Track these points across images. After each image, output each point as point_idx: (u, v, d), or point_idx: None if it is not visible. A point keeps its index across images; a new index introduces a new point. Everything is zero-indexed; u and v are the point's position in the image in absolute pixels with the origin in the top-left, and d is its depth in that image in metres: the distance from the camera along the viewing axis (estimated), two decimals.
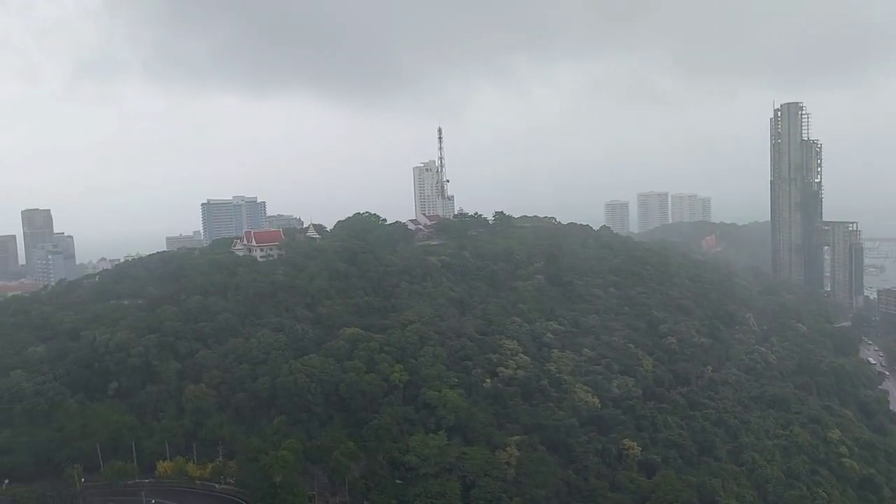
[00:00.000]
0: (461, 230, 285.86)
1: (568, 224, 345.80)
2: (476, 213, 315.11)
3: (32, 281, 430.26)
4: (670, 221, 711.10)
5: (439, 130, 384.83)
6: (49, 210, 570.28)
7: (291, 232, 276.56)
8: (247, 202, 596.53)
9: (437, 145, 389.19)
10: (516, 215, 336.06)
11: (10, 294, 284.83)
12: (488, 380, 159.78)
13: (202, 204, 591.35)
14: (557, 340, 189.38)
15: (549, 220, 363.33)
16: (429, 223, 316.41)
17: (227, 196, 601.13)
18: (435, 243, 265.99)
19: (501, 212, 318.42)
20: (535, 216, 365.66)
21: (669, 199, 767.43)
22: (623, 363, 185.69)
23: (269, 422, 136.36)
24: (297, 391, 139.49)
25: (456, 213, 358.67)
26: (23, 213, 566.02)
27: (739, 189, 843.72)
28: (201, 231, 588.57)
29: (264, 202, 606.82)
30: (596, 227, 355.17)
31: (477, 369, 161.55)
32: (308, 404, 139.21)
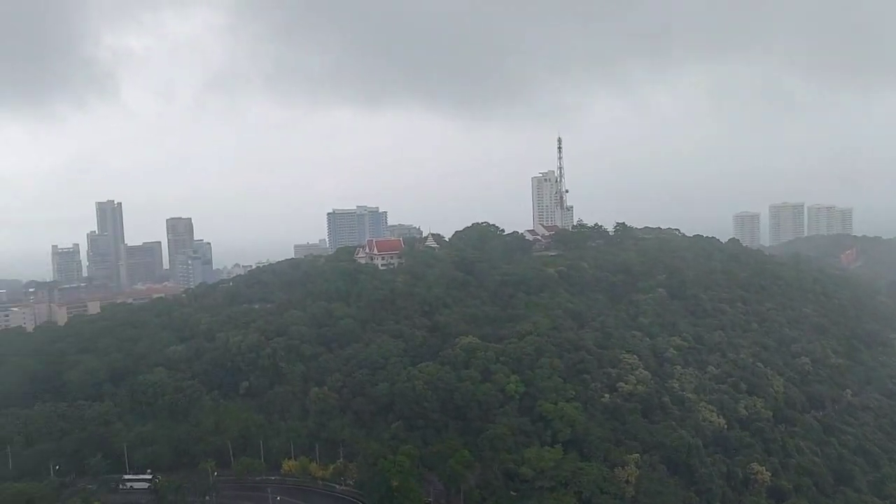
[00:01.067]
0: (580, 241, 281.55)
1: (693, 236, 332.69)
2: (596, 224, 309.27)
3: (175, 284, 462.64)
4: (806, 234, 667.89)
5: (559, 140, 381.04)
6: (190, 218, 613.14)
7: (411, 241, 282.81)
8: (369, 212, 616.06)
9: (555, 155, 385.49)
10: (638, 226, 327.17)
11: (155, 296, 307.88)
12: (607, 395, 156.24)
13: (328, 213, 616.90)
14: (680, 356, 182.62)
15: (673, 232, 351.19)
16: (547, 234, 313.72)
17: (350, 206, 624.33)
18: (553, 254, 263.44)
19: (622, 223, 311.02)
20: (658, 227, 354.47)
21: (805, 210, 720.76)
22: (751, 382, 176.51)
23: (387, 426, 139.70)
24: (414, 398, 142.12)
25: (575, 223, 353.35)
26: (167, 221, 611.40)
27: (885, 199, 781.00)
28: (327, 239, 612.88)
29: (386, 212, 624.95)
30: (723, 240, 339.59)
31: (595, 383, 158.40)
32: (425, 411, 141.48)
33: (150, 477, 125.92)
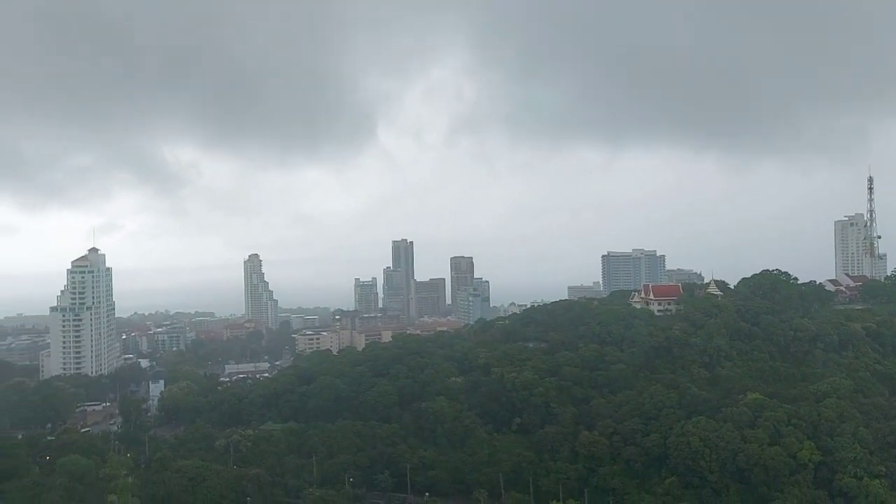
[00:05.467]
0: (894, 294, 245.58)
1: None
2: None
3: (456, 319, 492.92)
4: None
5: (869, 180, 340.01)
6: (471, 258, 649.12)
7: (690, 287, 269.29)
8: (646, 255, 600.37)
9: (865, 196, 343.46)
10: None
11: (439, 329, 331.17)
12: None
13: (602, 256, 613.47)
14: None
15: None
16: (852, 284, 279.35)
17: (626, 248, 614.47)
18: (859, 308, 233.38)
19: None
20: None
21: None
22: None
23: (660, 480, 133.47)
24: (689, 454, 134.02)
25: (889, 274, 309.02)
26: (451, 259, 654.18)
27: None
28: (601, 282, 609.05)
29: (663, 256, 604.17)
30: None
31: None
32: (701, 469, 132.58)
33: None
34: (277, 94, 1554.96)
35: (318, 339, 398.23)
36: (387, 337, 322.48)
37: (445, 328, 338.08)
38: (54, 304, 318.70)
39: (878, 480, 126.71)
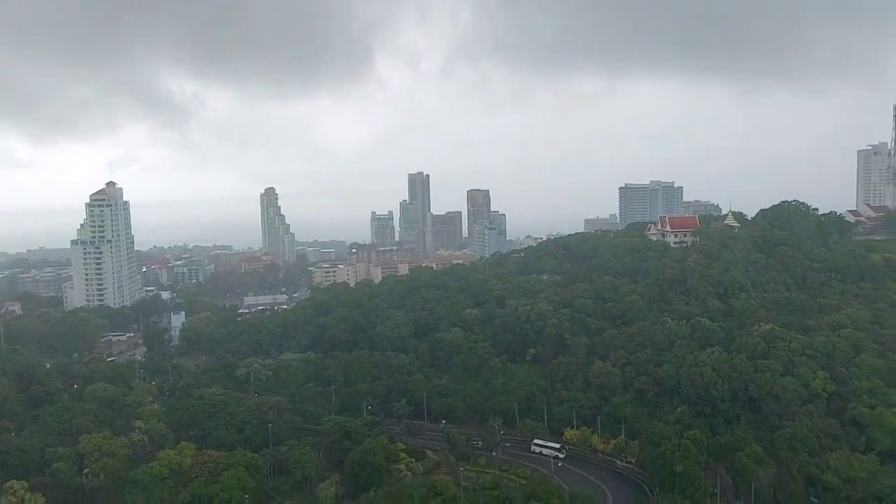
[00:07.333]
0: None
1: None
2: None
3: (471, 252, 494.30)
4: None
5: (895, 108, 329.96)
6: (488, 191, 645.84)
7: (707, 219, 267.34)
8: (663, 187, 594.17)
9: (891, 124, 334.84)
10: None
11: (454, 262, 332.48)
12: None
13: (619, 188, 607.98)
14: None
15: None
16: (873, 215, 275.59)
17: (643, 180, 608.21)
18: (880, 238, 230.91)
19: None
20: None
21: None
22: None
23: (671, 409, 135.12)
24: (702, 384, 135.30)
25: None
26: (468, 192, 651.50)
27: None
28: (617, 214, 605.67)
29: (681, 187, 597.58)
30: None
31: None
32: (712, 399, 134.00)
33: (558, 447, 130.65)
34: (268, 20, 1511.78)
35: (334, 271, 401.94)
36: (403, 270, 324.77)
37: (461, 261, 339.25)
38: (75, 237, 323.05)
39: (892, 410, 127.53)
